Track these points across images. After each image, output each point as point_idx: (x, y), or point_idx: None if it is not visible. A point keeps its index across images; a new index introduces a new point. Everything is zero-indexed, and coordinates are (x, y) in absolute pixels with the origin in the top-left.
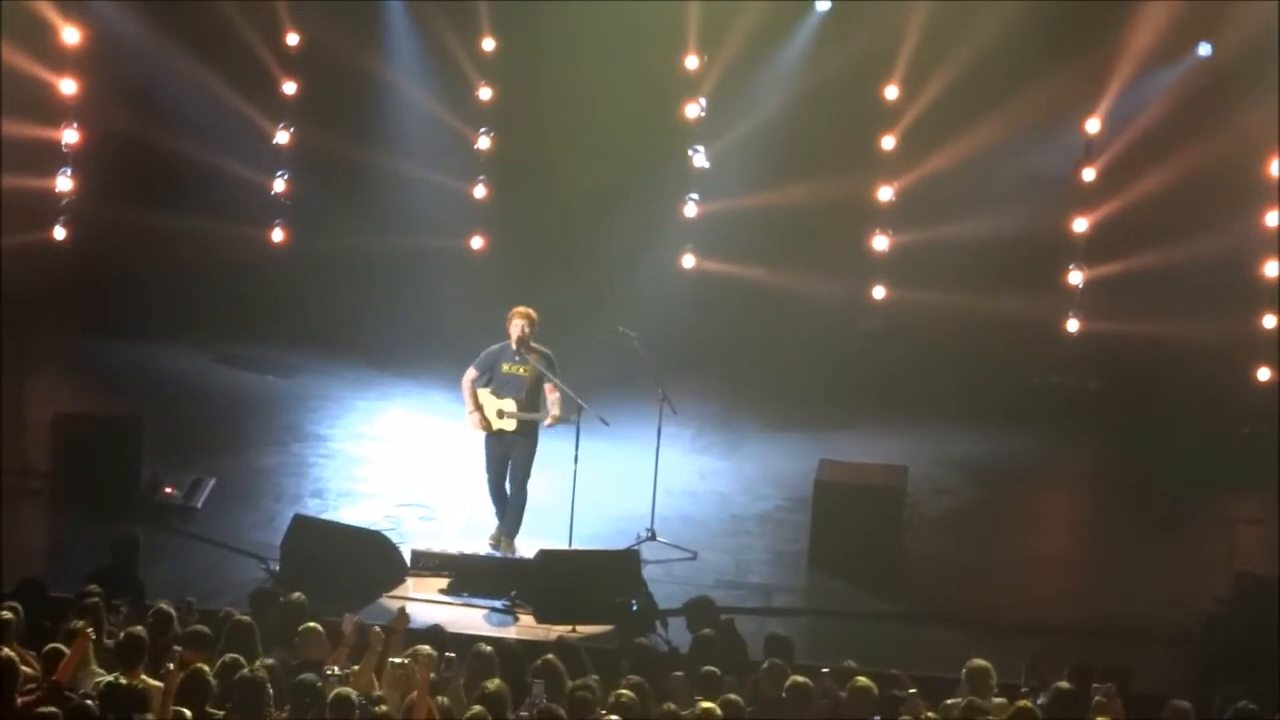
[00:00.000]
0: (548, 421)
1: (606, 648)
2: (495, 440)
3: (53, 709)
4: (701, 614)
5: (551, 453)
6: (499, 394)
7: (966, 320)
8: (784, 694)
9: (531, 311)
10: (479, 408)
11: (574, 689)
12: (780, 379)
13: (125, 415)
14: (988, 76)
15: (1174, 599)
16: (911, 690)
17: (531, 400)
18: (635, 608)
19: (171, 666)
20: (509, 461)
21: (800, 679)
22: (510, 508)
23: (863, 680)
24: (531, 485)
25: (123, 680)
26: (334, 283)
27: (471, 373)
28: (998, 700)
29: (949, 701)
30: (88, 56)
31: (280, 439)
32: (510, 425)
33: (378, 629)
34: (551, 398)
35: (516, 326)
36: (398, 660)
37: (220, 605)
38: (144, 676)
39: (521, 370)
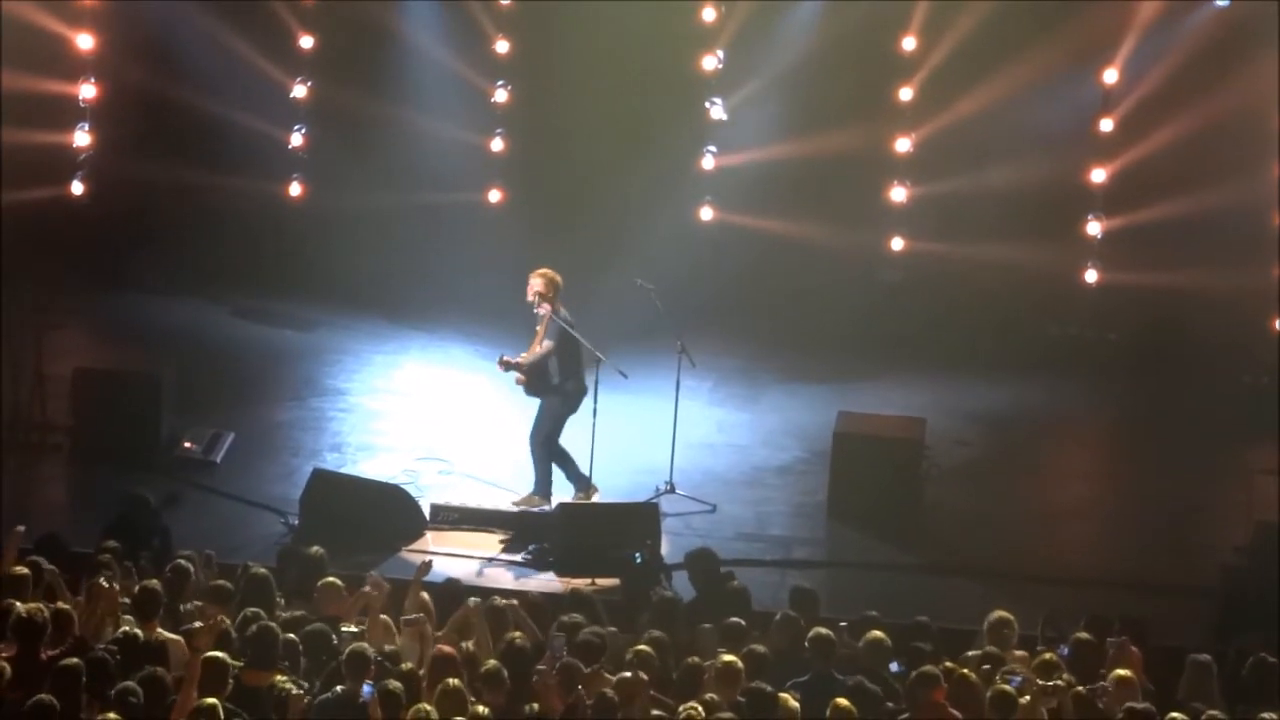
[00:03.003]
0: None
1: (616, 599)
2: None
3: (74, 660)
4: (702, 566)
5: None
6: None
7: (985, 271)
8: (806, 645)
9: (543, 272)
10: None
11: (582, 635)
12: (799, 331)
13: (144, 370)
14: (1005, 27)
15: (1192, 550)
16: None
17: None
18: (639, 559)
19: (198, 624)
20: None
21: (823, 630)
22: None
23: (876, 633)
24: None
25: (138, 633)
26: (351, 237)
27: None
28: (1019, 653)
29: (969, 653)
30: (105, 11)
31: (298, 393)
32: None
33: (378, 583)
34: (534, 349)
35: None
36: (411, 616)
37: (240, 560)
38: (160, 630)
39: (537, 326)
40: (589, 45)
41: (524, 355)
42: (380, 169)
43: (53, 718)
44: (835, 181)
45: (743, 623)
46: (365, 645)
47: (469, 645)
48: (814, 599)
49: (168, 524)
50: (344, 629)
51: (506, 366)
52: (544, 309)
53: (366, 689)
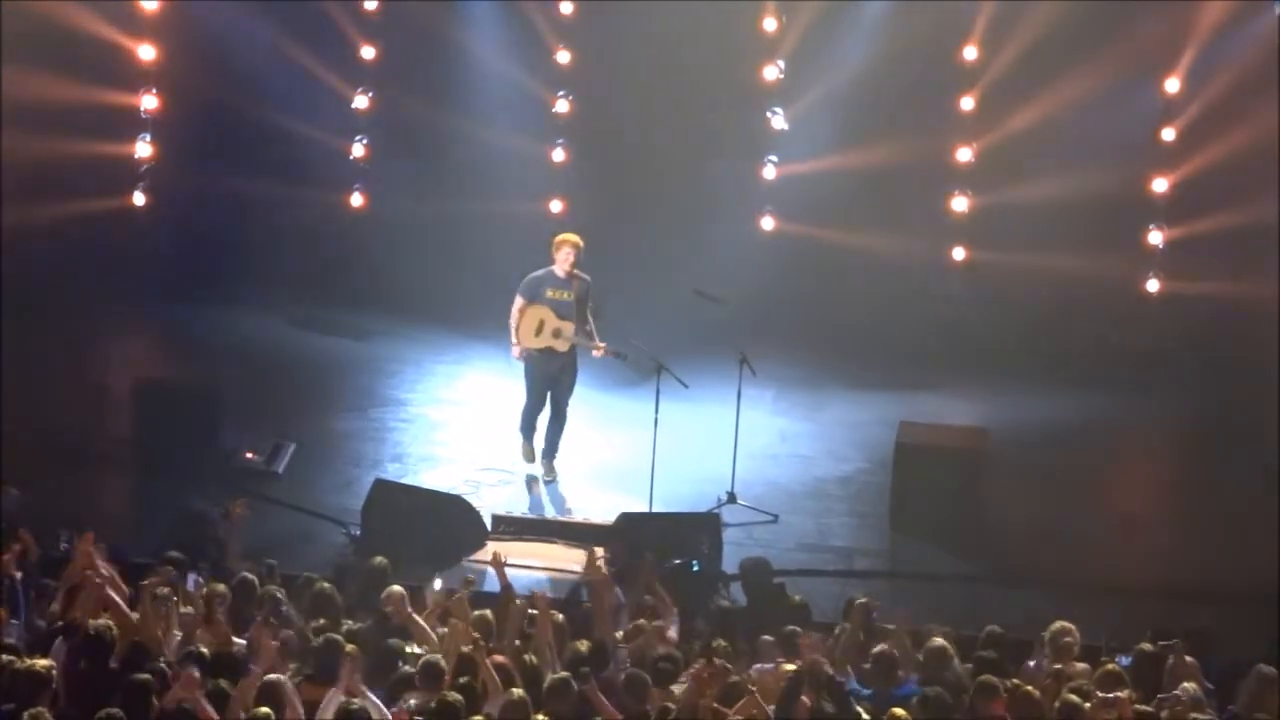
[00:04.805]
0: (596, 353)
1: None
2: (541, 364)
3: (145, 676)
4: (755, 575)
5: (631, 414)
6: (558, 314)
7: (1046, 281)
8: (869, 662)
9: (579, 239)
10: (529, 324)
11: (657, 660)
12: (860, 340)
13: (206, 381)
14: (1066, 37)
15: (1256, 560)
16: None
17: (580, 326)
18: (696, 568)
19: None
20: (551, 387)
21: (886, 648)
22: (550, 431)
23: (938, 641)
24: (610, 446)
25: (204, 650)
26: (413, 247)
27: (519, 301)
28: (1080, 665)
29: (1031, 663)
30: (166, 22)
31: (359, 404)
32: (563, 346)
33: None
34: (592, 324)
35: (566, 254)
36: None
37: (301, 570)
38: (234, 639)
39: (567, 295)
40: (650, 55)
41: (603, 344)
42: (442, 179)
43: None
44: (896, 191)
45: (800, 631)
46: (439, 657)
47: (531, 658)
48: (866, 611)
49: (224, 536)
50: (408, 650)
51: (604, 353)
52: (575, 282)
53: None
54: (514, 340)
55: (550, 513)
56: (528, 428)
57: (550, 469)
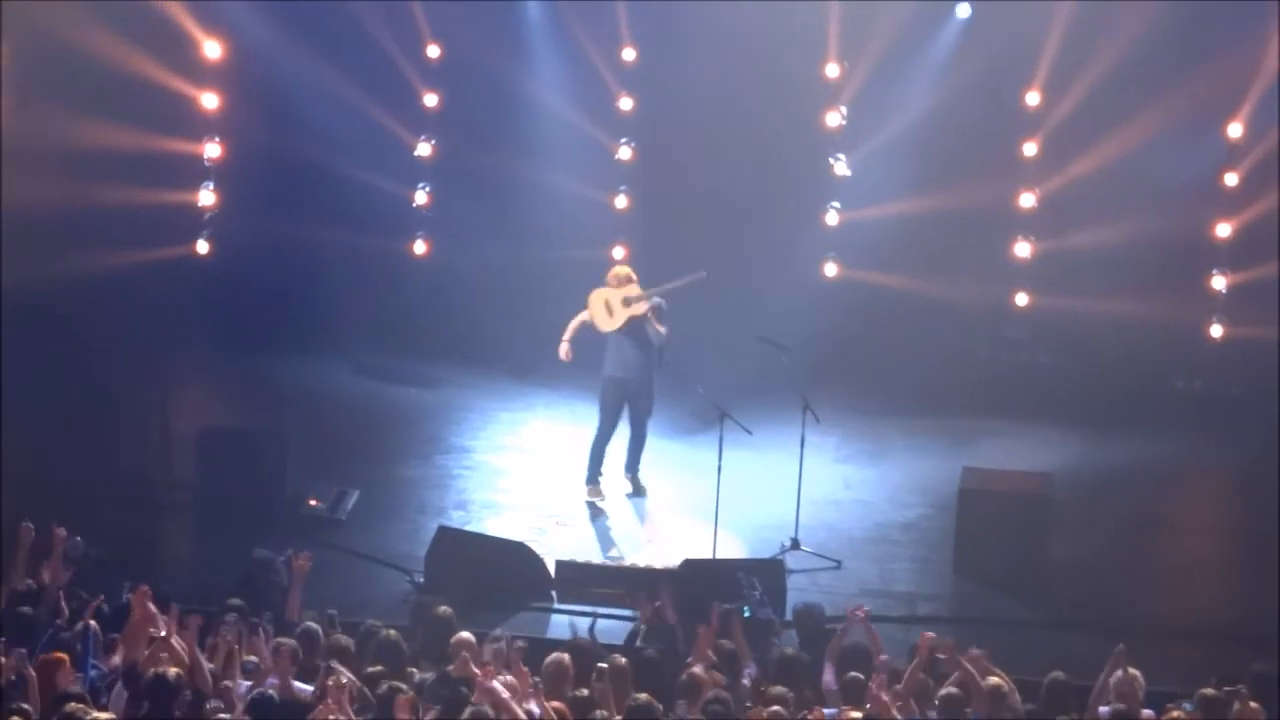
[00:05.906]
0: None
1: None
2: (614, 389)
3: None
4: (808, 621)
5: (695, 461)
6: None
7: (1109, 326)
8: (936, 703)
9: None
10: (598, 310)
11: (707, 703)
12: (924, 386)
13: (269, 428)
14: (1128, 81)
15: None
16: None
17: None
18: (747, 614)
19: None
20: (622, 410)
21: (953, 689)
22: (631, 447)
23: (992, 680)
24: (673, 490)
25: (272, 693)
26: (476, 294)
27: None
28: (1146, 712)
29: (1102, 709)
30: (229, 70)
31: (423, 451)
32: (640, 309)
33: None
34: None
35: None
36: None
37: (364, 618)
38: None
39: (648, 310)
40: (712, 102)
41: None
42: (504, 226)
43: None
44: (959, 237)
45: (863, 677)
46: (488, 708)
47: (602, 713)
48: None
49: (286, 584)
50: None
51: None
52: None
53: None
54: (565, 337)
55: (614, 559)
56: (595, 465)
57: (636, 484)
